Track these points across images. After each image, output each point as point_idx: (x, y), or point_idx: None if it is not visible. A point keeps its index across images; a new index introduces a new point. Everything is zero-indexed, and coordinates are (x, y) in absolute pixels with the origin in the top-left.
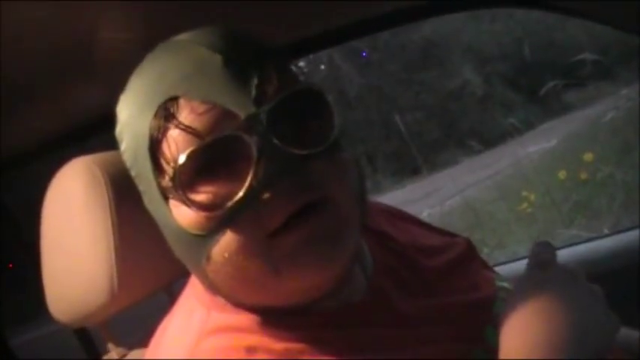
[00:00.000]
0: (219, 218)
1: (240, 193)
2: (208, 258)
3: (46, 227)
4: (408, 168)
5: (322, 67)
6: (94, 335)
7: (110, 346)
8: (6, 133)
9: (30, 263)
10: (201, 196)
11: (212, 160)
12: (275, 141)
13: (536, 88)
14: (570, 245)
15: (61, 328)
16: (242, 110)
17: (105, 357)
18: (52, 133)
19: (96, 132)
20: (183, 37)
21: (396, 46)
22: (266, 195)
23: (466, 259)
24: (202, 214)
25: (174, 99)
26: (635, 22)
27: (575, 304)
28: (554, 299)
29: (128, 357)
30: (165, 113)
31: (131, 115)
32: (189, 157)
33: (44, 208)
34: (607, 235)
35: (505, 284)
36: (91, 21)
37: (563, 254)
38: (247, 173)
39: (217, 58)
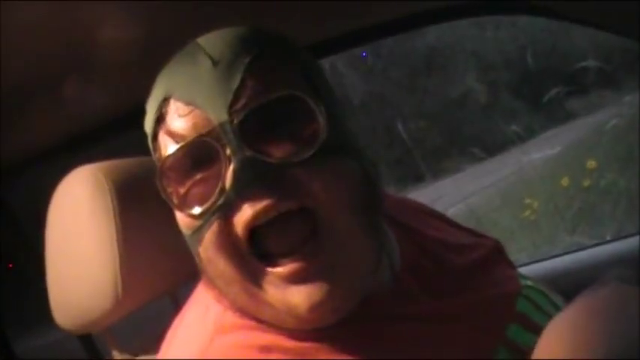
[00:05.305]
0: (198, 219)
1: (212, 198)
2: (198, 255)
3: (51, 234)
4: (411, 175)
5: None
6: (99, 343)
7: (115, 353)
8: (8, 138)
9: (34, 269)
10: (180, 197)
11: (191, 162)
12: (246, 149)
13: (539, 95)
14: (572, 252)
15: (65, 336)
16: (216, 116)
17: None
18: (55, 139)
19: (100, 137)
20: (200, 38)
21: (399, 53)
22: (235, 202)
23: (492, 259)
24: (184, 214)
25: (167, 100)
26: (636, 29)
27: (622, 324)
28: (600, 316)
29: None
30: (158, 114)
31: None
32: (164, 161)
33: (49, 215)
34: (609, 242)
35: (529, 282)
36: (93, 25)
37: (566, 261)
38: (221, 177)
39: (207, 61)
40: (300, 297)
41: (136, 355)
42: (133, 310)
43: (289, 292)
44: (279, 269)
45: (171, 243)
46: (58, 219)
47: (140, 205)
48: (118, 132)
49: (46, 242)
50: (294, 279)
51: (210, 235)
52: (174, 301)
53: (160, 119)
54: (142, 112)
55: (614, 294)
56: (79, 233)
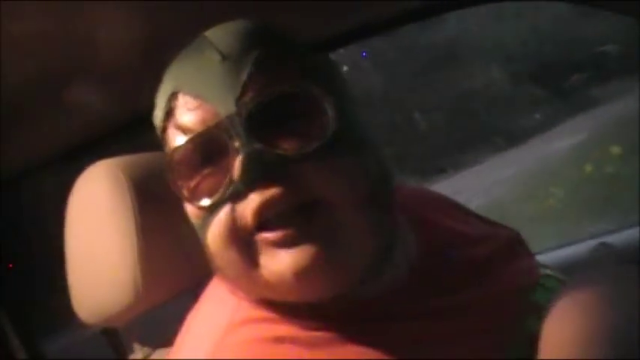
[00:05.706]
0: (206, 210)
1: (221, 190)
2: (207, 247)
3: (71, 231)
4: (434, 167)
5: (345, 67)
6: (123, 338)
7: (136, 346)
8: (9, 140)
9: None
10: (190, 189)
11: (200, 155)
12: (254, 141)
13: (560, 83)
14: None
15: (89, 335)
16: (224, 109)
17: (131, 357)
18: (56, 142)
19: (101, 141)
20: (208, 32)
21: (418, 45)
22: (244, 193)
23: (510, 249)
24: (194, 206)
25: (175, 94)
26: None
27: (625, 305)
28: (603, 297)
29: (153, 356)
30: (167, 109)
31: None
32: (173, 154)
33: (68, 212)
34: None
35: (548, 271)
36: (93, 29)
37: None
38: (229, 170)
39: (216, 55)
40: (287, 261)
41: (157, 348)
42: (155, 304)
43: (278, 258)
44: (269, 234)
45: (191, 238)
46: (77, 215)
47: (159, 200)
48: (119, 137)
49: (66, 238)
50: (283, 242)
51: (217, 225)
52: (195, 296)
53: (169, 113)
54: (143, 117)
55: (619, 276)
56: (98, 229)
